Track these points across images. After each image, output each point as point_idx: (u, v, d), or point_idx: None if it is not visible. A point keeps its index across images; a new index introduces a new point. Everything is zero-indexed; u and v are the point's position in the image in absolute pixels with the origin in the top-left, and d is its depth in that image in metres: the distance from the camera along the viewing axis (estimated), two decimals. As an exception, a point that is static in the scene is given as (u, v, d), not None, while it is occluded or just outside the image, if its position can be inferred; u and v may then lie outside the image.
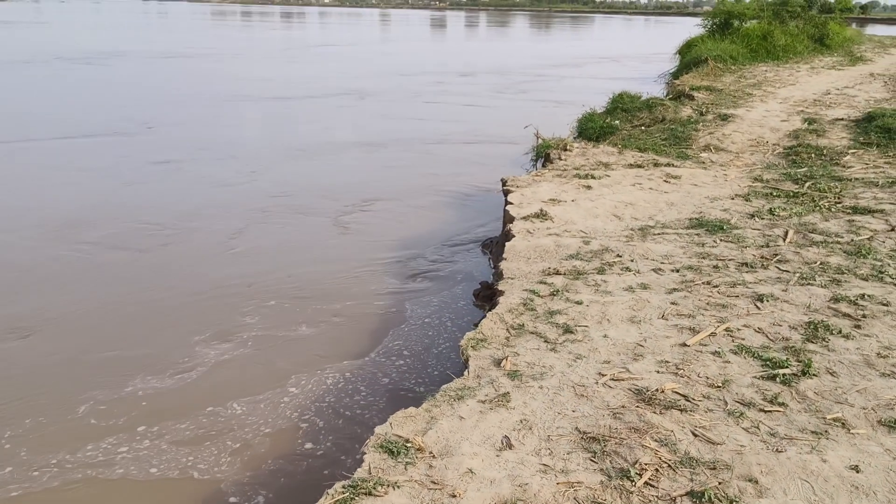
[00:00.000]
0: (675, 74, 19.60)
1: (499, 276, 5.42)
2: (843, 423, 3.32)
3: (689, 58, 19.49)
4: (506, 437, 3.23)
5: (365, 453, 3.14)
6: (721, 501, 2.78)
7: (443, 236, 8.57)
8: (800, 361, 3.86)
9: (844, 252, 5.54)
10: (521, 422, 3.35)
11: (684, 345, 4.04)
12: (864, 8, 75.31)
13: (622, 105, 11.77)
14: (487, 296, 6.66)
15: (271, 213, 9.20)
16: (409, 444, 3.16)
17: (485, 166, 11.90)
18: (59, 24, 58.13)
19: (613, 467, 2.99)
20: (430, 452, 3.13)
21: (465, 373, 3.84)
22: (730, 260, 5.36)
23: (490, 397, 3.55)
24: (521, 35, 64.14)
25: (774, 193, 7.25)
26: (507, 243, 5.83)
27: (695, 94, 12.84)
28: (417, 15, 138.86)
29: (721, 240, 5.82)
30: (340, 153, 12.33)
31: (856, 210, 6.61)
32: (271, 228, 8.67)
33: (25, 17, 66.26)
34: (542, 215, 6.43)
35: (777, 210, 6.60)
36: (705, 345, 4.05)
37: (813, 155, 8.96)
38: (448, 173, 11.44)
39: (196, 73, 24.25)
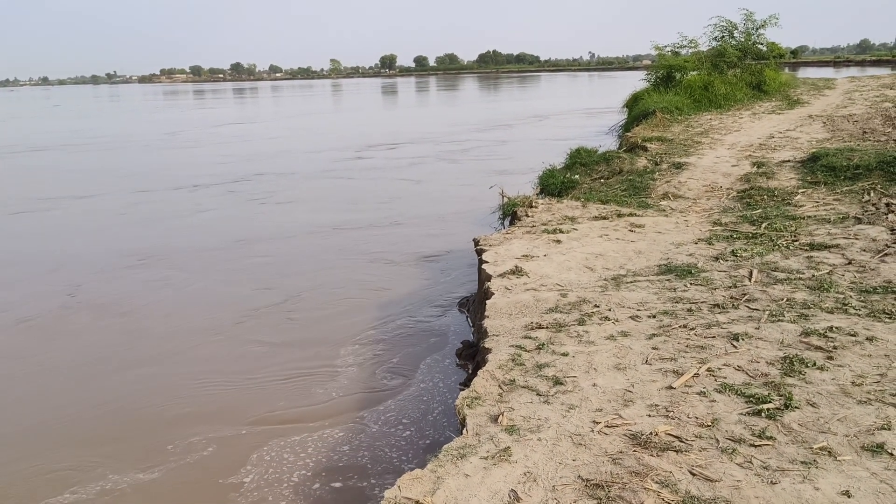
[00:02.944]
0: (626, 127, 20.34)
1: (482, 333, 5.54)
2: (829, 452, 3.49)
3: (638, 111, 20.27)
4: (513, 490, 3.32)
5: (377, 518, 3.19)
6: (726, 536, 2.90)
7: (417, 299, 8.71)
8: (781, 395, 4.04)
9: (808, 287, 5.81)
10: (525, 474, 3.44)
11: (670, 387, 4.20)
12: (794, 52, 79.13)
13: (580, 160, 12.19)
14: (470, 354, 6.78)
15: (246, 291, 9.32)
16: (419, 506, 3.23)
17: (445, 230, 12.19)
18: None
19: (620, 511, 3.10)
20: (441, 512, 3.19)
21: (464, 431, 3.93)
22: (702, 302, 5.59)
23: (492, 453, 3.64)
24: (469, 97, 65.83)
25: (734, 236, 7.58)
26: (487, 301, 5.98)
27: (647, 144, 13.36)
28: (369, 83, 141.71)
29: (691, 283, 6.06)
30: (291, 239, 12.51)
31: (812, 247, 6.94)
32: (251, 309, 8.76)
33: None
34: (517, 271, 6.62)
35: (739, 251, 6.89)
36: (690, 386, 4.22)
37: (765, 196, 9.39)
38: (409, 241, 11.70)
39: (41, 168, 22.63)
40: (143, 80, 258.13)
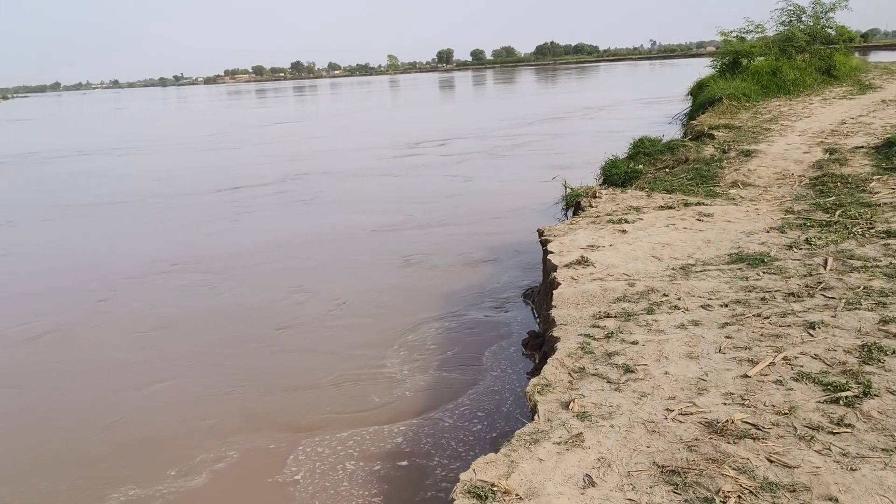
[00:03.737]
0: (691, 115, 19.95)
1: (549, 323, 5.58)
2: (913, 440, 3.41)
3: (703, 98, 19.84)
4: (587, 475, 3.36)
5: (454, 500, 3.28)
6: (806, 522, 2.88)
7: (478, 292, 8.78)
8: (859, 383, 3.96)
9: (885, 275, 5.64)
10: (599, 460, 3.47)
11: (745, 376, 4.16)
12: (865, 36, 75.97)
13: (643, 149, 12.03)
14: (537, 344, 6.83)
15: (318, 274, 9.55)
16: (495, 488, 3.30)
17: (500, 226, 12.20)
18: (42, 120, 60.60)
19: (697, 497, 3.11)
20: (517, 494, 3.26)
21: (536, 417, 3.98)
22: (776, 291, 5.49)
23: (564, 439, 3.69)
24: (525, 90, 65.34)
25: (808, 224, 7.39)
26: (554, 291, 6.00)
27: (714, 132, 13.10)
28: (425, 78, 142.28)
29: (764, 272, 5.96)
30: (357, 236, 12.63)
31: (889, 234, 6.72)
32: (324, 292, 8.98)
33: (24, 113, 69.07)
34: (583, 262, 6.62)
35: (813, 239, 6.73)
36: (766, 374, 4.17)
37: (839, 184, 9.10)
38: (472, 231, 11.76)
39: (72, 174, 22.72)
40: (209, 81, 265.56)
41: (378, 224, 12.70)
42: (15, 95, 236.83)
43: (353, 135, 30.54)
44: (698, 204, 8.65)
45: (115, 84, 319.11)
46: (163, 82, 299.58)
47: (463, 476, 3.46)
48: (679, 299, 5.52)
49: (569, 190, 10.16)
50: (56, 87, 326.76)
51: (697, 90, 23.26)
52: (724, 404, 3.88)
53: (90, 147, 31.61)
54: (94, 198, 17.50)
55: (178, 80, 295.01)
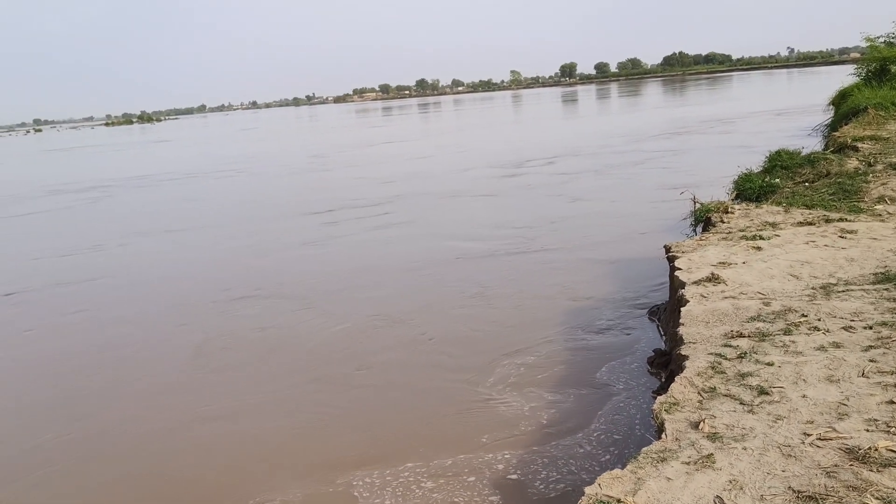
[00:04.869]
0: (832, 126, 18.79)
1: (677, 341, 5.47)
2: None
3: (846, 108, 18.65)
4: (718, 497, 3.29)
5: (579, 513, 3.31)
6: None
7: (605, 306, 8.70)
8: None
9: None
10: (731, 482, 3.39)
11: (891, 402, 3.93)
12: None
13: (780, 162, 11.47)
14: (663, 363, 6.69)
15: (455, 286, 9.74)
16: (621, 504, 3.30)
17: (631, 236, 11.95)
18: (175, 141, 64.93)
19: (837, 525, 2.98)
20: (644, 511, 3.24)
21: (663, 436, 3.93)
22: (928, 314, 5.13)
23: (693, 459, 3.62)
24: (649, 102, 63.61)
25: (967, 242, 6.83)
26: (682, 308, 5.88)
27: (858, 144, 12.30)
28: (548, 92, 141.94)
29: (914, 294, 5.57)
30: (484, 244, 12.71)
31: None
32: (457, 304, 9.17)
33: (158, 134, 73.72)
34: (713, 279, 6.43)
35: (973, 259, 6.22)
36: (916, 402, 3.91)
37: None
38: (596, 244, 11.62)
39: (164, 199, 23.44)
40: (338, 99, 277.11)
41: (481, 247, 12.25)
42: (166, 118, 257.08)
43: (463, 154, 29.67)
44: (841, 220, 8.17)
45: (254, 104, 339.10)
46: (296, 102, 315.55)
47: (588, 490, 3.48)
48: (819, 320, 5.26)
49: (698, 205, 9.87)
50: (202, 109, 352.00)
51: (840, 100, 21.86)
52: (867, 431, 3.68)
53: (200, 169, 33.18)
54: (181, 223, 17.97)
55: (309, 100, 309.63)
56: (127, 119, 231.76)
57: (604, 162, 22.37)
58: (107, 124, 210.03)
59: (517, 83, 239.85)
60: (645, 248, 10.85)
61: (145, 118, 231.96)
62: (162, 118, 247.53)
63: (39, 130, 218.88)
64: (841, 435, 3.68)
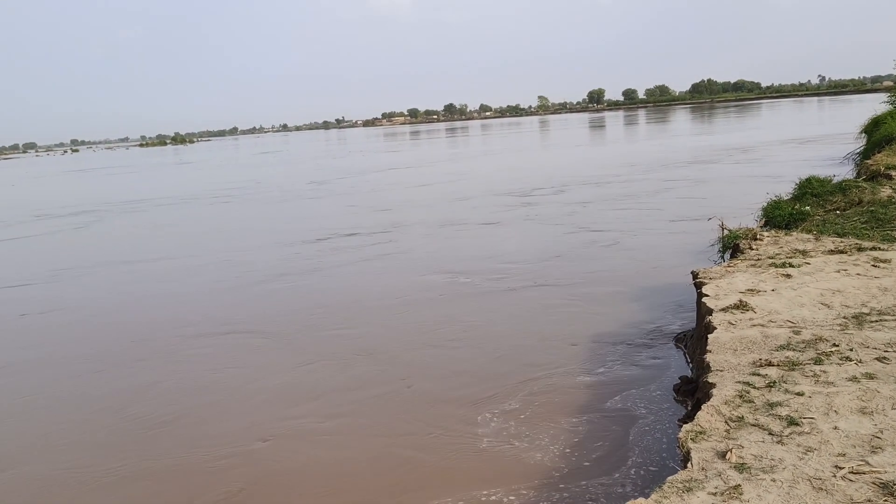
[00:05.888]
0: (865, 154, 18.54)
1: (704, 368, 5.35)
2: None
3: (879, 136, 18.42)
4: (745, 529, 3.19)
5: (601, 542, 3.21)
6: None
7: (631, 331, 8.58)
8: None
9: None
10: (759, 514, 3.28)
11: (929, 436, 3.79)
12: None
13: (811, 190, 11.31)
14: (689, 390, 6.55)
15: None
16: (644, 534, 3.20)
17: (656, 262, 11.79)
18: (195, 164, 65.09)
19: (871, 563, 2.86)
20: (668, 543, 3.15)
21: (689, 465, 3.83)
22: (966, 346, 4.96)
23: (720, 490, 3.52)
24: (676, 129, 63.19)
25: None
26: (709, 336, 5.76)
27: (892, 172, 12.11)
28: (575, 118, 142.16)
29: (951, 325, 5.41)
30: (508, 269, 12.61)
31: None
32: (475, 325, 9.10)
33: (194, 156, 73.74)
34: (742, 306, 6.31)
35: None
36: (954, 436, 3.77)
37: None
38: (623, 270, 11.49)
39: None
40: (367, 123, 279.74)
41: (483, 279, 11.75)
42: (199, 139, 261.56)
43: (475, 181, 28.99)
44: (874, 249, 8.00)
45: (284, 127, 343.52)
46: (325, 125, 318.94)
47: (611, 519, 3.39)
48: (851, 350, 5.12)
49: (726, 231, 9.74)
50: (234, 131, 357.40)
51: (872, 127, 21.61)
52: (904, 466, 3.55)
53: (200, 194, 32.97)
54: (157, 252, 17.33)
55: (339, 123, 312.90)
56: (161, 140, 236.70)
57: (622, 191, 21.81)
58: (141, 145, 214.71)
59: (544, 109, 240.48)
60: (674, 274, 10.73)
61: (178, 140, 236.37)
62: (195, 139, 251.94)
63: (76, 150, 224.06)
64: (875, 469, 3.55)
